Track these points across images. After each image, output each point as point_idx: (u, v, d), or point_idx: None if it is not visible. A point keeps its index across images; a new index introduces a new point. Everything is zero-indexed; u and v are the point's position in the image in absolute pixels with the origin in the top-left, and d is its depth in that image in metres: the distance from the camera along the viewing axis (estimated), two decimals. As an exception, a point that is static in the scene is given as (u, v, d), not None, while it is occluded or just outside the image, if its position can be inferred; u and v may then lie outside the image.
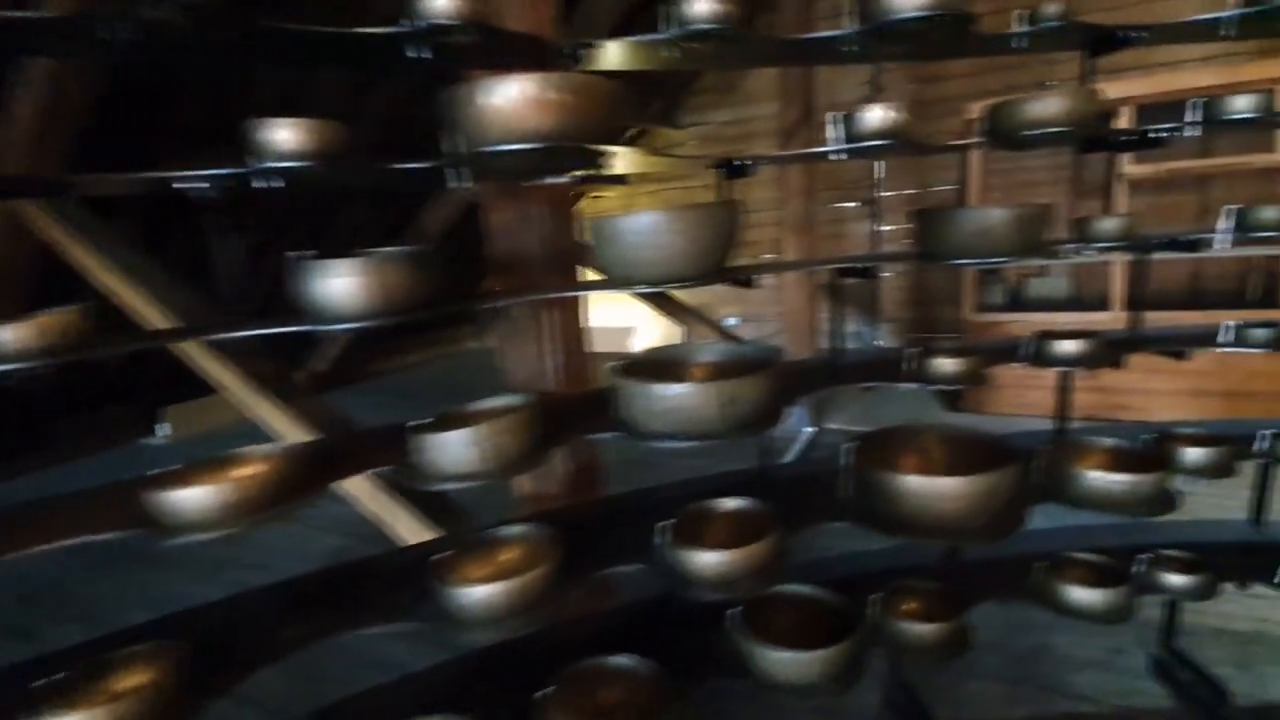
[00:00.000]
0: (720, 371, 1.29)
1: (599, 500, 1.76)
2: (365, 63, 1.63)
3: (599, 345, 7.38)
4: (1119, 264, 3.98)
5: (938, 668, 1.87)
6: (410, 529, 1.75)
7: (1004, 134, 1.33)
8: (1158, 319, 4.00)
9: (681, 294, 5.90)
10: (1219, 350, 1.55)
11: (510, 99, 0.98)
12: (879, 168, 2.42)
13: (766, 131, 5.99)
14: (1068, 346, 1.40)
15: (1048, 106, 1.27)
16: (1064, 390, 1.64)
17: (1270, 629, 2.11)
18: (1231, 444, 1.53)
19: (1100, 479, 1.37)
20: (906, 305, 6.52)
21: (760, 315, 6.83)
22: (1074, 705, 1.89)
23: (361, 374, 6.74)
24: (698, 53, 1.37)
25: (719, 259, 1.17)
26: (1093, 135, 1.28)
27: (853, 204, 6.37)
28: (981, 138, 1.38)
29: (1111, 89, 3.89)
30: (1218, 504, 1.87)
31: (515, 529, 1.28)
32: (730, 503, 1.35)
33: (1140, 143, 1.46)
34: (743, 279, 1.27)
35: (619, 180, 7.07)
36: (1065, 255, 1.51)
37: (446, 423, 1.16)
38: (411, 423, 1.16)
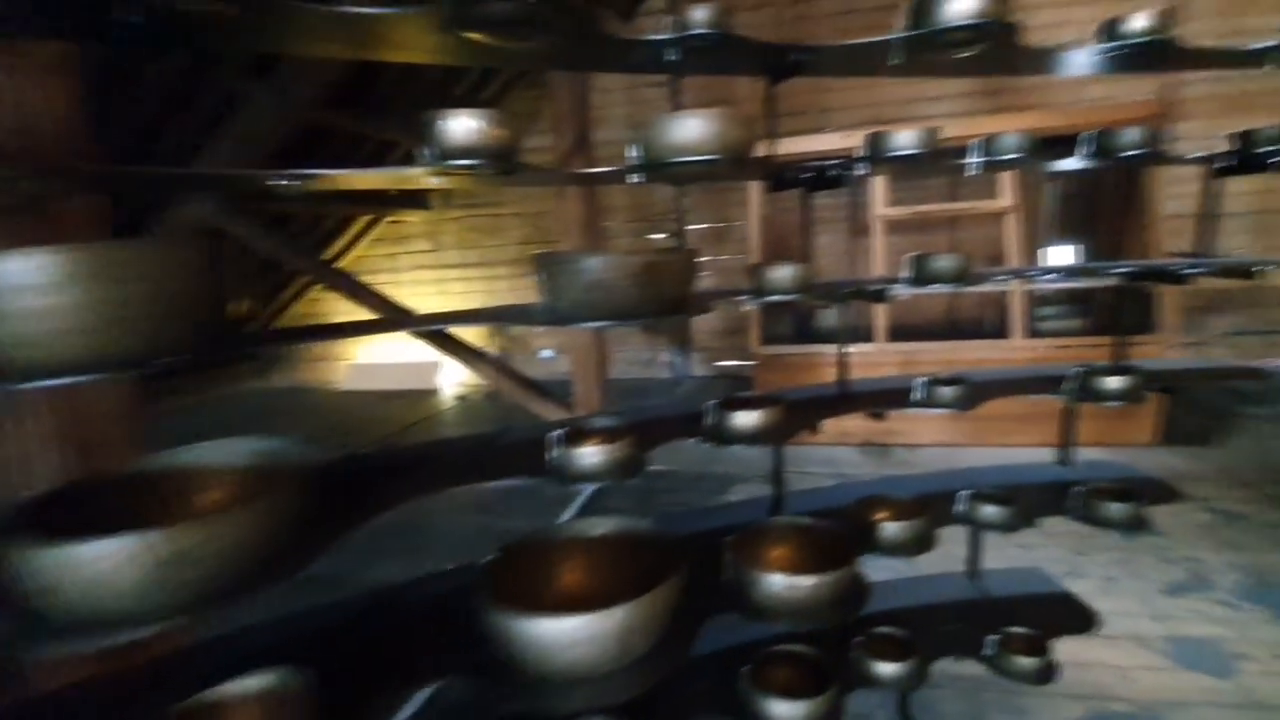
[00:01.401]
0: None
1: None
2: None
3: (401, 382, 6.70)
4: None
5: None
6: None
7: (651, 160, 1.02)
8: (914, 349, 4.22)
9: (469, 332, 5.41)
10: (911, 410, 1.36)
11: None
12: (678, 199, 2.07)
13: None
14: (744, 420, 1.12)
15: (687, 129, 0.97)
16: (776, 467, 1.38)
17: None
18: (927, 509, 1.34)
19: (780, 583, 1.10)
20: (717, 334, 6.51)
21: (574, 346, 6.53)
22: None
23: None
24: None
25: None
26: (740, 164, 1.01)
27: (660, 236, 6.27)
28: (634, 164, 1.07)
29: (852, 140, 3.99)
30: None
31: None
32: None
33: (821, 181, 1.24)
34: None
35: (418, 204, 6.49)
36: (738, 305, 1.26)
37: None
38: None
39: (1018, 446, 3.75)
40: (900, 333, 4.21)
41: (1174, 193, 5.53)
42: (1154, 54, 1.25)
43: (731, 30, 1.05)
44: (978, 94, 5.47)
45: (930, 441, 4.04)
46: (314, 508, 0.76)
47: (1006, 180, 3.99)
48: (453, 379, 6.52)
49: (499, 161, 0.95)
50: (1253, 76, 5.25)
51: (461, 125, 0.94)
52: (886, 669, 1.28)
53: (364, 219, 6.68)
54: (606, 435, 1.03)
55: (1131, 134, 1.34)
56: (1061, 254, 4.80)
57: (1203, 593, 2.25)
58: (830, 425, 3.97)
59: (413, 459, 1.01)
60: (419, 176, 1.02)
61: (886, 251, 4.16)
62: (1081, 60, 1.29)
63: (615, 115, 6.04)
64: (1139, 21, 1.23)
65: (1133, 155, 1.33)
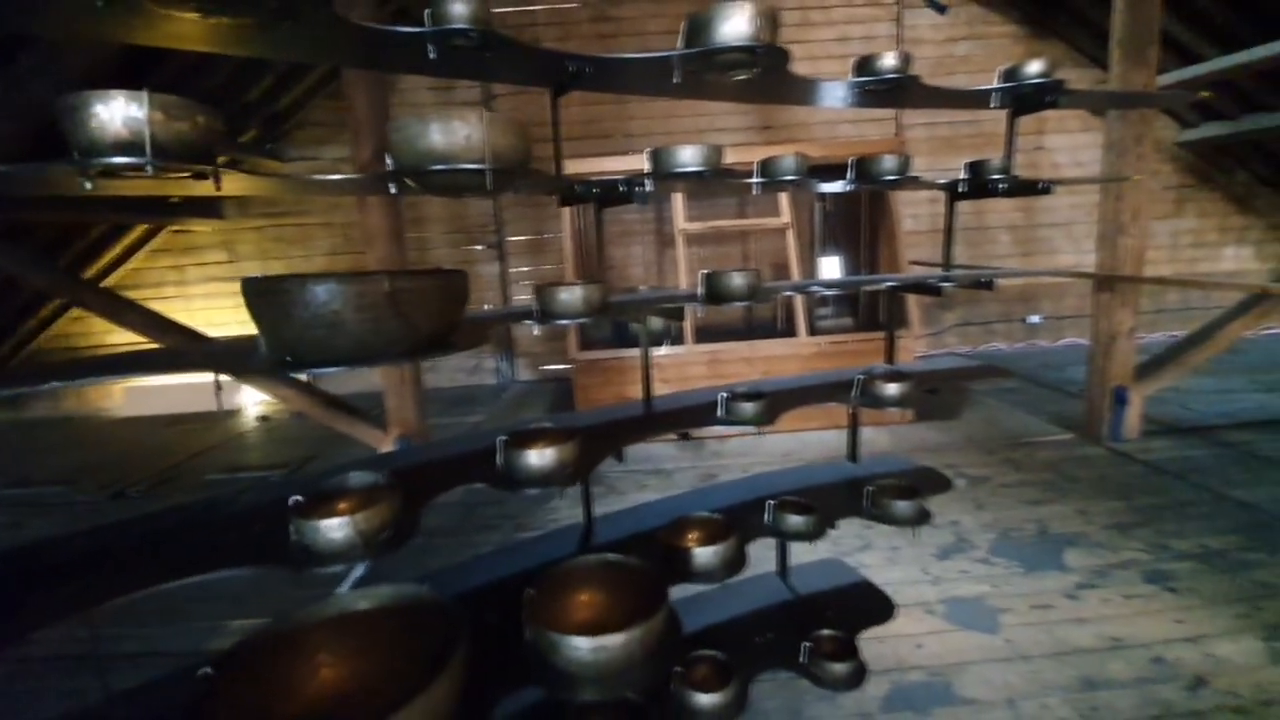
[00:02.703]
0: None
1: None
2: None
3: (191, 404, 5.63)
4: (691, 313, 4.15)
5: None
6: None
7: (407, 167, 0.81)
8: (719, 349, 4.38)
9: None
10: (721, 433, 1.29)
11: None
12: (497, 211, 1.78)
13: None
14: (537, 460, 0.95)
15: (454, 133, 0.78)
16: (585, 498, 1.22)
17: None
18: (736, 527, 1.28)
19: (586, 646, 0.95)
20: (542, 339, 6.30)
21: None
22: None
23: None
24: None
25: None
26: (509, 175, 0.83)
27: (479, 247, 5.92)
28: (391, 170, 0.85)
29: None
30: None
31: None
32: None
33: (613, 197, 1.11)
34: None
35: (209, 213, 5.50)
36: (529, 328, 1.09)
37: None
38: None
39: (811, 431, 4.02)
40: (707, 333, 4.34)
41: (910, 213, 6.40)
42: (899, 90, 1.29)
43: (493, 27, 0.87)
44: (755, 128, 5.90)
45: (737, 431, 4.19)
46: None
47: (784, 200, 4.26)
48: (255, 398, 5.61)
49: (168, 157, 0.68)
50: (955, 123, 6.23)
51: (117, 110, 0.65)
52: (707, 700, 1.18)
53: (140, 228, 5.51)
54: (363, 497, 0.80)
55: (888, 161, 1.39)
56: (830, 263, 5.26)
57: (966, 553, 2.47)
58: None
59: (70, 556, 0.70)
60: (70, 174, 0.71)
61: (689, 261, 4.27)
62: (839, 92, 1.31)
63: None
64: (888, 60, 1.26)
65: (889, 180, 1.37)
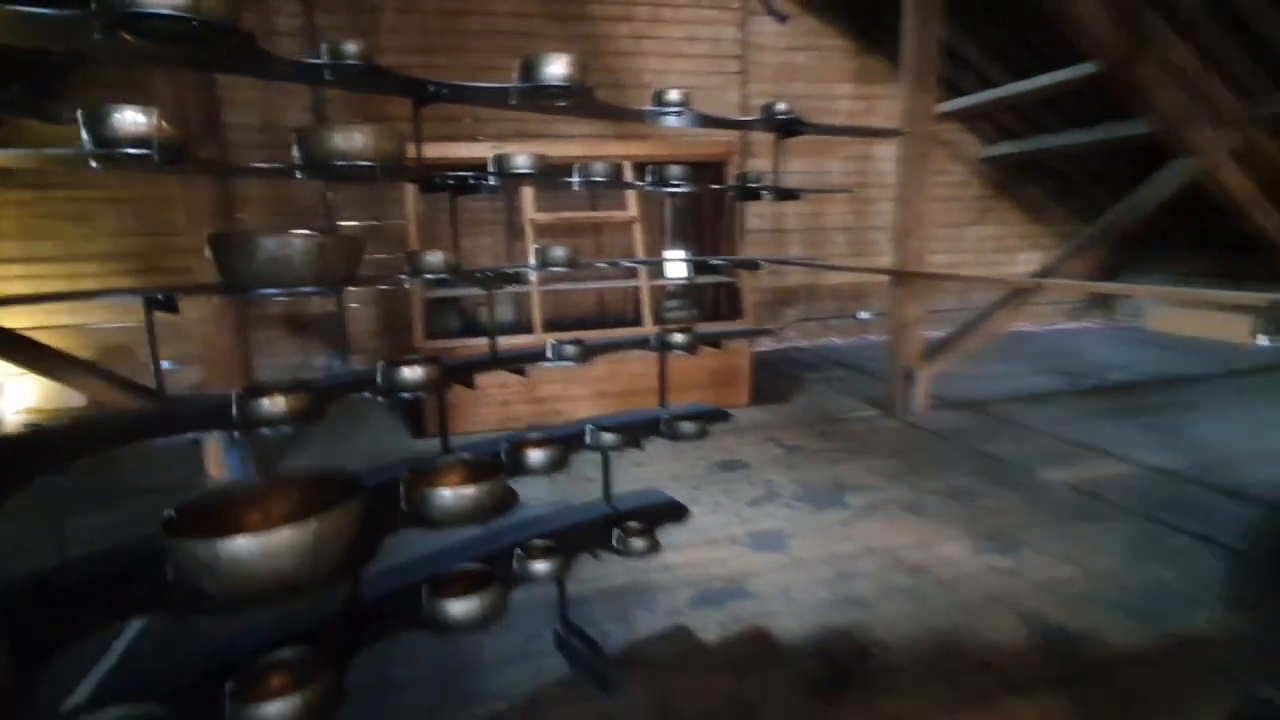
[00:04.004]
0: None
1: None
2: None
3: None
4: (536, 294, 4.72)
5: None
6: None
7: (316, 162, 1.31)
8: (566, 337, 4.98)
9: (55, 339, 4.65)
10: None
11: None
12: (324, 194, 2.18)
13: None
14: (410, 374, 1.47)
15: (352, 140, 1.29)
16: (442, 410, 1.74)
17: (639, 578, 2.68)
18: (564, 442, 1.87)
19: (450, 495, 1.48)
20: (376, 334, 6.52)
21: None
22: (490, 706, 2.02)
23: None
24: None
25: None
26: (396, 171, 1.36)
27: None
28: (298, 163, 1.33)
29: (513, 149, 4.58)
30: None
31: None
32: None
33: (464, 188, 1.65)
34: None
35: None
36: (401, 284, 1.59)
37: None
38: None
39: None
40: (559, 325, 4.93)
41: (755, 212, 7.48)
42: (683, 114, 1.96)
43: (375, 62, 1.39)
44: (606, 121, 6.63)
45: (585, 416, 4.81)
46: None
47: (630, 195, 4.99)
48: (18, 402, 5.27)
49: None
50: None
51: None
52: (540, 565, 1.75)
53: None
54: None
55: (672, 169, 2.05)
56: (676, 256, 6.09)
57: (773, 501, 3.28)
58: (499, 413, 4.44)
59: None
60: None
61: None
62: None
63: (246, 98, 5.66)
64: (673, 94, 1.92)
65: (675, 185, 2.04)
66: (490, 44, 6.26)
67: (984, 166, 8.18)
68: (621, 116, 1.92)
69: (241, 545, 1.04)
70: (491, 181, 1.65)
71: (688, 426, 2.06)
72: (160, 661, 1.46)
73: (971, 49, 6.85)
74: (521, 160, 1.66)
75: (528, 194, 4.82)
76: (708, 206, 5.85)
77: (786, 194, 2.31)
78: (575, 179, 1.92)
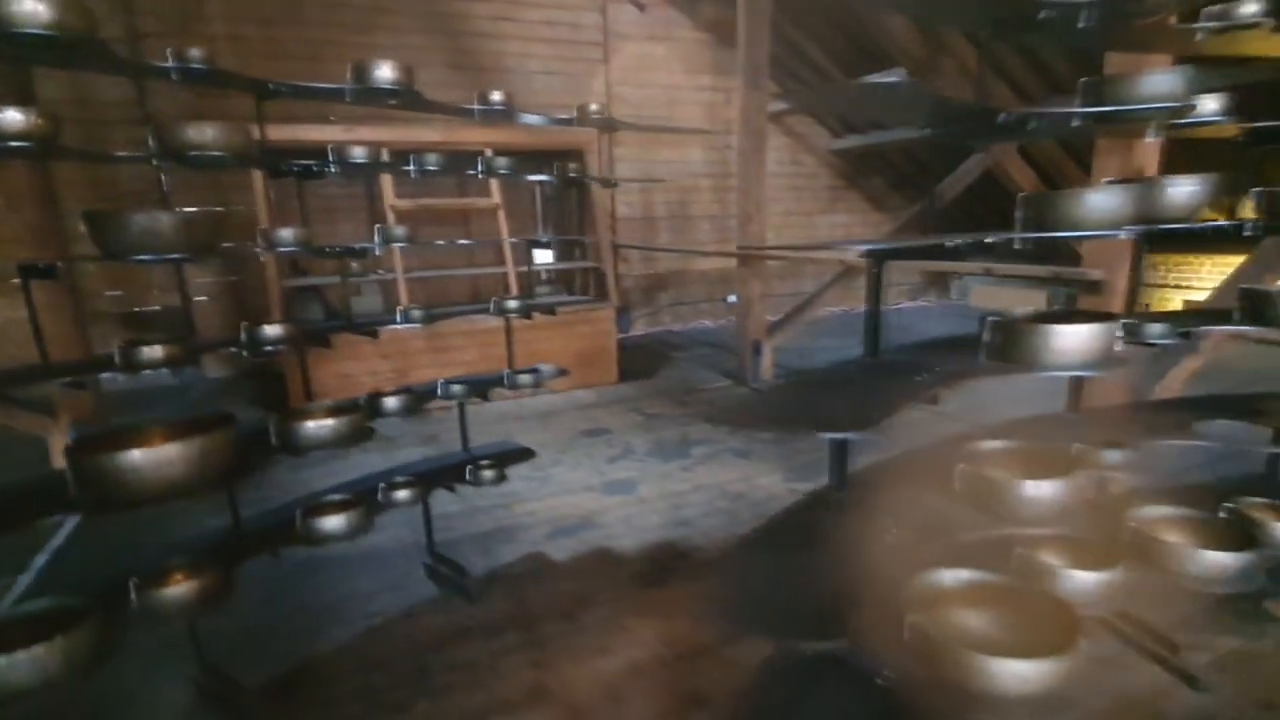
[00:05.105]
0: None
1: None
2: None
3: None
4: (403, 281, 4.97)
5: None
6: None
7: (174, 151, 1.61)
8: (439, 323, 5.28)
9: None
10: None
11: None
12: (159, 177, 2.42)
13: None
14: (271, 331, 1.79)
15: (204, 133, 1.61)
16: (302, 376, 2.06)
17: (504, 523, 3.07)
18: (419, 395, 2.25)
19: (315, 426, 1.83)
20: (226, 331, 6.43)
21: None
22: (370, 622, 2.34)
23: None
24: None
25: None
26: (246, 160, 1.68)
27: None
28: (156, 151, 1.63)
29: (366, 133, 4.77)
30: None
31: None
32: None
33: (309, 174, 1.98)
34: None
35: None
36: (263, 254, 1.91)
37: None
38: None
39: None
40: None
41: (625, 200, 7.99)
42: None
43: (217, 65, 1.71)
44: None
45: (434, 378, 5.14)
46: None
47: (494, 183, 5.32)
48: None
49: None
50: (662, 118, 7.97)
51: None
52: (402, 494, 2.13)
53: None
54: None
55: (498, 159, 2.46)
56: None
57: (628, 458, 3.77)
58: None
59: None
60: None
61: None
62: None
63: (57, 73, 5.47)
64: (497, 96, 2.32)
65: (502, 174, 2.45)
66: (336, 18, 6.05)
67: (833, 158, 9.12)
68: (448, 113, 2.30)
69: (139, 455, 1.36)
70: (332, 170, 1.98)
71: (524, 379, 2.49)
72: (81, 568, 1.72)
73: (813, 46, 7.68)
74: (359, 151, 2.01)
75: (387, 180, 5.01)
76: (572, 196, 6.27)
77: (606, 183, 2.78)
78: (412, 167, 2.29)
